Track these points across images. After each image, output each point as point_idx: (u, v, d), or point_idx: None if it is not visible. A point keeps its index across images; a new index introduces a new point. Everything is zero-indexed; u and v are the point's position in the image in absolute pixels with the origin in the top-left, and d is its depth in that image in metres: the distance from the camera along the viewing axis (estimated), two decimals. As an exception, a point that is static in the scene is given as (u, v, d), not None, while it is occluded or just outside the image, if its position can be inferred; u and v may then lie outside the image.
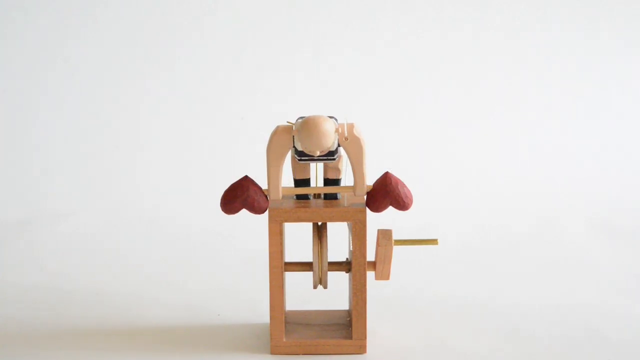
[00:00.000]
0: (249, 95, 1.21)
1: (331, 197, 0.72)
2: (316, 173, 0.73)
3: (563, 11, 1.24)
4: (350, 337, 0.72)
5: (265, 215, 0.71)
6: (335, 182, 0.72)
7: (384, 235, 0.71)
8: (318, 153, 0.68)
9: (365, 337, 0.72)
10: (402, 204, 0.70)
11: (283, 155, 0.69)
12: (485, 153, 1.18)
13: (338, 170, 0.72)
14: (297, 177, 0.72)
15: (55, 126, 1.20)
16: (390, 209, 0.70)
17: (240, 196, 0.69)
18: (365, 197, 0.71)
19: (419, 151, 1.18)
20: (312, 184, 0.73)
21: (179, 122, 1.20)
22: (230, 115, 1.20)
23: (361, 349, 0.72)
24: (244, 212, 0.70)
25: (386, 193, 0.69)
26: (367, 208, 0.70)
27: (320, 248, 0.72)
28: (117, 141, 1.19)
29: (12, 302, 0.85)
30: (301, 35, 1.23)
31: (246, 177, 0.70)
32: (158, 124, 1.20)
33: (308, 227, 0.76)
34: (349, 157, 0.69)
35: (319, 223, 0.73)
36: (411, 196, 0.70)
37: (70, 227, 1.06)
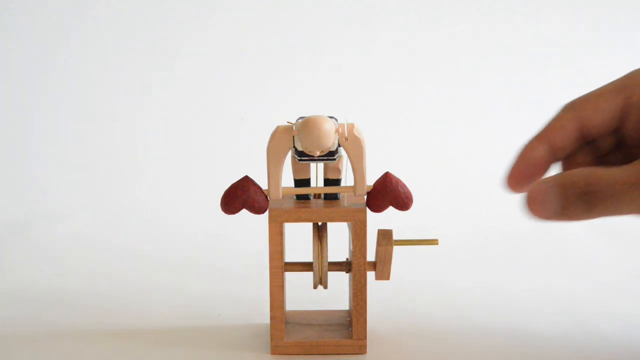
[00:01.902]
0: (249, 95, 1.21)
1: (331, 197, 0.72)
2: (316, 173, 0.73)
3: (562, 12, 1.24)
4: (351, 337, 0.72)
5: (265, 216, 0.71)
6: (336, 182, 0.72)
7: (384, 236, 0.71)
8: (318, 153, 0.68)
9: (365, 337, 0.72)
10: (402, 204, 0.70)
11: (283, 156, 0.69)
12: (486, 153, 1.18)
13: (338, 171, 0.72)
14: (297, 178, 0.72)
15: (55, 126, 1.20)
16: (390, 208, 0.70)
17: (240, 196, 0.69)
18: (365, 197, 0.71)
19: (419, 151, 1.18)
20: (312, 184, 0.73)
21: (179, 122, 1.20)
22: (230, 115, 1.20)
23: (361, 349, 0.72)
24: (244, 212, 0.70)
25: (386, 193, 0.69)
26: (367, 208, 0.70)
27: (320, 248, 0.72)
28: (117, 141, 1.19)
29: (12, 302, 0.85)
30: (301, 35, 1.23)
31: (246, 177, 0.70)
32: (158, 124, 1.20)
33: (308, 227, 0.76)
34: (349, 157, 0.69)
35: (319, 223, 0.73)
36: (411, 196, 0.70)
37: (70, 228, 1.06)
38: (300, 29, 1.22)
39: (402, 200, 0.70)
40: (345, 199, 0.72)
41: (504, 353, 0.73)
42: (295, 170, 0.72)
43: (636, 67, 0.68)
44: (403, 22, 1.23)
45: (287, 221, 0.70)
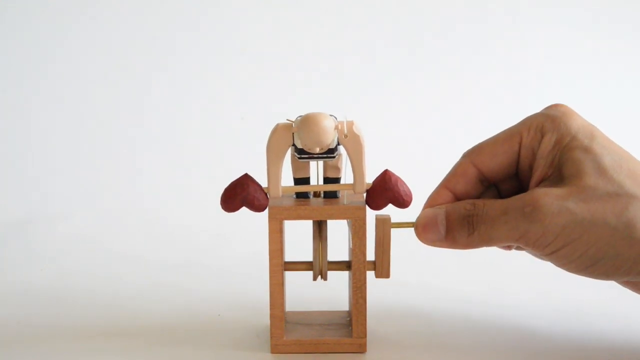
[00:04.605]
0: (249, 95, 1.21)
1: (331, 196, 0.72)
2: (317, 172, 0.73)
3: (563, 10, 1.24)
4: (351, 336, 0.72)
5: (265, 214, 0.71)
6: (335, 180, 0.72)
7: (382, 220, 0.71)
8: (317, 150, 0.68)
9: (365, 336, 0.72)
10: (401, 201, 0.70)
11: (283, 153, 0.69)
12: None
13: (338, 169, 0.72)
14: (297, 176, 0.72)
15: (55, 126, 1.20)
16: (390, 206, 0.70)
17: (240, 194, 0.69)
18: (364, 194, 0.71)
19: (419, 149, 1.18)
20: (312, 182, 0.73)
21: (179, 122, 1.21)
22: (230, 115, 1.20)
23: (361, 348, 0.72)
24: (244, 210, 0.70)
25: (385, 191, 0.70)
26: (366, 206, 0.70)
27: (320, 240, 0.72)
28: (117, 141, 1.20)
29: (12, 302, 0.85)
30: (301, 35, 1.23)
31: (246, 174, 0.70)
32: (158, 124, 1.20)
33: (308, 226, 0.76)
34: (348, 154, 0.69)
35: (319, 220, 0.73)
36: (411, 194, 0.70)
37: (70, 227, 1.06)
38: (300, 29, 1.23)
39: (401, 198, 0.70)
40: (345, 197, 0.72)
41: (504, 353, 0.73)
42: (295, 169, 0.72)
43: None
44: (403, 21, 1.23)
45: (287, 219, 0.70)
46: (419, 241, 0.70)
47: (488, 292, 0.86)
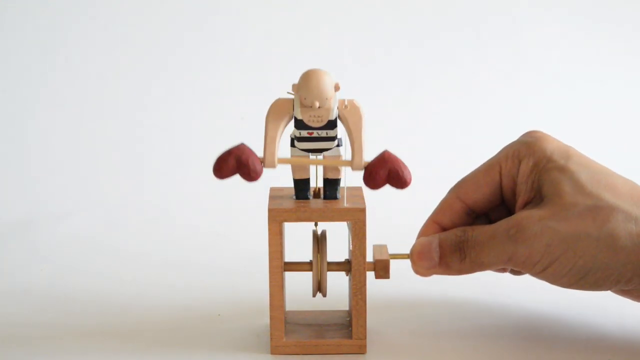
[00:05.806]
0: (249, 95, 1.21)
1: (331, 197, 0.72)
2: (316, 173, 0.73)
3: (566, 10, 1.24)
4: (351, 337, 0.72)
5: (265, 215, 0.71)
6: (335, 181, 0.72)
7: (378, 251, 0.72)
8: (317, 105, 0.67)
9: (365, 337, 0.72)
10: (400, 175, 0.68)
11: (282, 118, 0.69)
12: (487, 150, 1.18)
13: (337, 170, 0.72)
14: (297, 177, 0.72)
15: (55, 126, 1.20)
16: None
17: (234, 152, 0.68)
18: (363, 180, 0.70)
19: (419, 150, 1.18)
20: (312, 184, 0.73)
21: (178, 122, 1.20)
22: (231, 115, 1.20)
23: (361, 349, 0.72)
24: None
25: (385, 162, 0.68)
26: (366, 207, 0.70)
27: (320, 257, 0.72)
28: (117, 141, 1.20)
29: (12, 302, 0.85)
30: (301, 35, 1.23)
31: (242, 143, 0.70)
32: (158, 124, 1.20)
33: (308, 227, 0.76)
34: (347, 128, 0.69)
35: (319, 233, 0.73)
36: (410, 174, 0.69)
37: (70, 227, 1.06)
38: (300, 28, 1.23)
39: (400, 171, 0.68)
40: (345, 199, 0.72)
41: (505, 353, 0.73)
42: (294, 170, 0.72)
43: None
44: (403, 18, 1.23)
45: (286, 220, 0.70)
46: (415, 273, 0.73)
47: (488, 293, 0.86)
